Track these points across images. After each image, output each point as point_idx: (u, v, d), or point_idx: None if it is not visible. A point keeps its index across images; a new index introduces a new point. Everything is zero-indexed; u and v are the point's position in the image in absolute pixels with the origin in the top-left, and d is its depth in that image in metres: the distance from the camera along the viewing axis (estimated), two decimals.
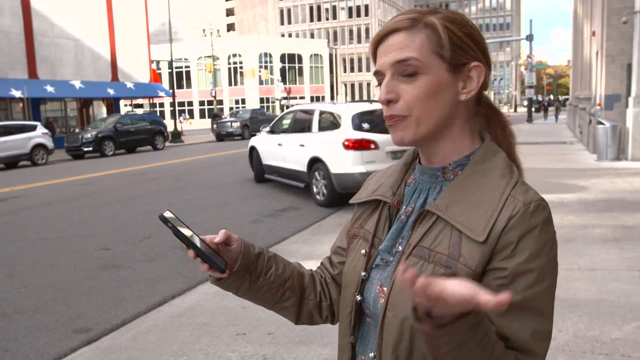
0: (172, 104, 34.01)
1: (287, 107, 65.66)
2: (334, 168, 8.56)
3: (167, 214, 0.99)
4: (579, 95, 21.49)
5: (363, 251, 1.03)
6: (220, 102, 63.19)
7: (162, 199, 10.59)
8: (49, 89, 27.01)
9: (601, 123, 12.68)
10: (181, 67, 65.07)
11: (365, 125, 8.59)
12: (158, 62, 43.60)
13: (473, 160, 0.94)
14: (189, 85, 69.05)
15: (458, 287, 0.68)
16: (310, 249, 6.33)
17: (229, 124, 29.93)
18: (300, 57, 72.24)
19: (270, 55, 68.14)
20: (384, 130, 7.85)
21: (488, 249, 0.86)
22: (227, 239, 1.04)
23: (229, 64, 67.81)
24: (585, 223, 6.50)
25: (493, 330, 0.80)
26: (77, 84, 28.74)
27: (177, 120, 31.80)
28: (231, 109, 60.52)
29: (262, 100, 66.47)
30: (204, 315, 4.43)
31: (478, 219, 0.87)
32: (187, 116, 64.44)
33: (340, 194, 8.57)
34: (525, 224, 0.85)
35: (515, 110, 65.65)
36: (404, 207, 1.01)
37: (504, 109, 42.00)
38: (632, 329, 3.59)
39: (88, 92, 29.45)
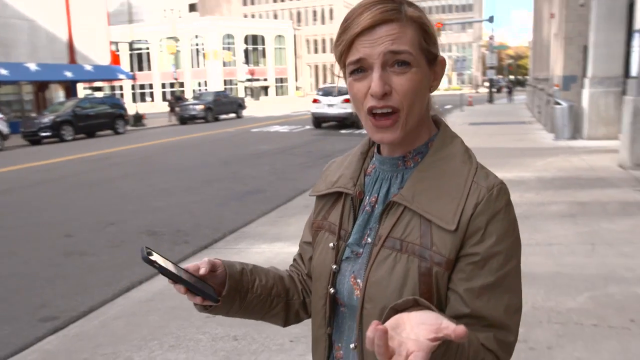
0: (133, 87, 33.25)
1: (251, 89, 65.38)
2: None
3: (152, 256, 0.96)
4: (538, 76, 22.00)
5: (331, 244, 1.03)
6: (182, 84, 62.04)
7: (126, 183, 10.43)
8: (2, 71, 25.98)
9: (558, 103, 13.06)
10: (141, 49, 63.42)
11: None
12: (117, 44, 42.44)
13: (433, 148, 0.97)
14: (149, 68, 67.50)
15: (420, 332, 0.70)
16: (278, 231, 6.37)
17: (192, 106, 29.46)
18: (263, 39, 71.41)
19: (233, 37, 67.12)
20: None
21: (459, 236, 0.89)
22: (212, 267, 1.02)
23: (191, 45, 66.50)
24: (544, 200, 6.74)
25: (465, 345, 0.82)
26: (33, 66, 27.73)
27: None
28: (194, 91, 59.56)
29: (225, 82, 65.58)
30: (173, 299, 4.43)
31: (446, 208, 0.90)
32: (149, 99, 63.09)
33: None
34: (491, 208, 0.89)
35: (477, 91, 66.70)
36: (367, 197, 1.02)
37: (467, 90, 42.60)
38: (585, 299, 3.79)
39: (44, 75, 28.45)
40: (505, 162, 9.76)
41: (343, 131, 19.58)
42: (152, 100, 64.62)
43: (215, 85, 62.34)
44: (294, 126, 23.42)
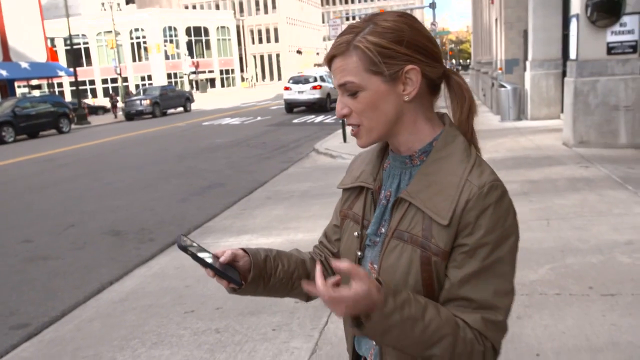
0: (74, 84, 32.09)
1: (197, 82, 64.23)
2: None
3: (185, 241, 1.10)
4: (481, 60, 22.69)
5: (356, 233, 1.17)
6: (125, 79, 60.27)
7: (79, 184, 10.16)
8: None
9: (503, 86, 13.56)
10: (79, 44, 61.14)
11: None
12: (53, 39, 40.75)
13: (435, 148, 1.08)
14: (89, 63, 65.19)
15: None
16: (242, 224, 6.42)
17: (138, 102, 28.72)
18: (206, 30, 70.21)
19: (175, 29, 65.67)
20: None
21: (452, 230, 1.01)
22: (234, 258, 1.15)
23: (132, 39, 64.61)
24: None
25: (418, 314, 0.95)
26: None
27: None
28: (137, 86, 58.01)
29: (169, 75, 64.16)
30: (148, 297, 4.44)
31: (442, 204, 1.01)
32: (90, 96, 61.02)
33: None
34: (480, 204, 0.99)
35: None
36: (383, 191, 1.15)
37: None
38: (546, 270, 4.05)
39: None
40: None
41: (295, 121, 19.66)
42: (95, 97, 62.47)
43: (160, 79, 60.90)
44: (245, 118, 23.27)
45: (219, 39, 71.81)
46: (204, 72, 68.07)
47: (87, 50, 64.54)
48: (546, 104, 12.63)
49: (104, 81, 65.34)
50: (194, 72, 61.99)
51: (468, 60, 73.52)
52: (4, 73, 28.46)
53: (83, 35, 53.59)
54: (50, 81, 37.21)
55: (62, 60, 46.40)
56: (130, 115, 28.62)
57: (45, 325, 4.16)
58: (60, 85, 59.40)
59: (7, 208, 8.61)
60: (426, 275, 1.03)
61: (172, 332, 3.75)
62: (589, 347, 2.99)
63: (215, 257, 1.12)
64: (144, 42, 62.61)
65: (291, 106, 23.14)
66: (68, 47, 33.74)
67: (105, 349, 3.60)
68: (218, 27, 71.37)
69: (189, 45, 66.00)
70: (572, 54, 9.21)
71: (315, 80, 22.65)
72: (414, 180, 1.07)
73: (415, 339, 0.96)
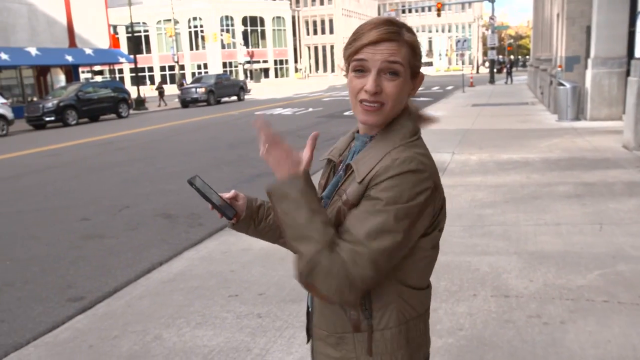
0: (134, 70, 33.16)
1: (251, 71, 65.09)
2: None
3: (195, 180, 1.37)
4: (540, 56, 21.98)
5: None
6: (182, 67, 61.79)
7: (134, 168, 10.56)
8: (3, 56, 25.93)
9: (562, 84, 13.11)
10: (140, 32, 63.06)
11: None
12: (116, 27, 42.17)
13: (385, 128, 1.26)
14: (148, 51, 67.15)
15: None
16: None
17: (193, 89, 29.43)
18: (262, 20, 70.91)
19: (232, 19, 66.66)
20: None
21: (363, 187, 1.18)
22: (235, 196, 1.46)
23: (190, 27, 66.08)
24: (550, 181, 6.87)
25: (312, 207, 1.14)
26: (33, 51, 27.66)
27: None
28: (194, 74, 59.34)
29: (224, 64, 65.29)
30: (194, 279, 4.60)
31: (363, 168, 1.20)
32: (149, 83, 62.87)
33: None
34: (390, 171, 1.14)
35: (478, 72, 66.48)
36: (342, 164, 1.35)
37: (469, 70, 42.44)
38: (595, 276, 3.94)
39: (45, 59, 28.39)
40: (510, 144, 9.88)
41: (347, 113, 19.66)
42: (152, 84, 64.38)
43: (215, 68, 62.07)
44: (297, 109, 23.46)
45: (274, 29, 72.41)
46: (259, 62, 68.87)
47: (147, 37, 66.48)
48: (607, 104, 12.14)
49: (162, 68, 67.17)
50: (248, 62, 62.85)
51: (527, 57, 71.30)
52: (70, 58, 29.75)
53: (144, 23, 55.24)
54: (111, 67, 38.57)
55: (124, 47, 48.00)
56: (186, 103, 29.33)
57: (98, 299, 4.38)
58: (120, 71, 61.50)
59: (69, 187, 9.05)
60: (337, 217, 1.21)
61: (215, 313, 3.87)
62: (634, 358, 2.91)
63: (221, 197, 1.40)
64: (201, 31, 63.89)
65: None
66: (129, 35, 35.02)
67: (152, 325, 3.77)
68: (274, 18, 71.96)
69: (245, 34, 66.86)
70: (638, 52, 8.81)
71: None
72: (360, 153, 1.26)
73: (296, 222, 1.13)
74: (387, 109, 1.21)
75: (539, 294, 3.63)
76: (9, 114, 20.08)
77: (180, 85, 35.85)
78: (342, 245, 1.12)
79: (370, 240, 1.12)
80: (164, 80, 65.24)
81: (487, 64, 66.05)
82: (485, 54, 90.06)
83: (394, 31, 1.20)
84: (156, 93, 34.53)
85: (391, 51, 1.18)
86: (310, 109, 22.73)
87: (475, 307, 3.47)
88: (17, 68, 28.23)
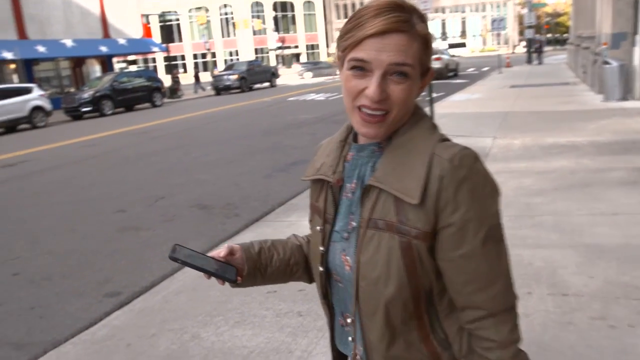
0: (167, 59, 33.41)
1: (283, 57, 64.90)
2: None
3: (176, 253, 1.15)
4: (582, 33, 21.07)
5: (318, 228, 1.14)
6: (214, 54, 62.04)
7: (169, 157, 10.55)
8: (40, 49, 26.42)
9: (607, 62, 12.49)
10: (171, 21, 63.48)
11: None
12: (148, 16, 42.48)
13: (400, 130, 1.03)
14: (180, 39, 67.61)
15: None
16: None
17: (226, 77, 29.47)
18: (292, 5, 70.40)
19: (262, 5, 66.40)
20: None
21: (429, 209, 0.96)
22: (230, 251, 1.21)
23: (220, 15, 66.18)
24: (601, 166, 6.49)
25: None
26: (69, 42, 28.09)
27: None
28: (225, 61, 59.52)
29: (256, 50, 65.27)
30: None
31: (411, 184, 0.97)
32: (182, 70, 63.42)
33: None
34: (455, 178, 0.94)
35: (514, 52, 64.62)
36: (347, 184, 1.10)
37: (505, 50, 41.21)
38: None
39: (80, 50, 28.82)
40: (554, 127, 9.44)
41: None
42: (185, 72, 64.92)
43: (247, 55, 62.14)
44: (330, 94, 23.21)
45: (304, 14, 71.84)
46: (290, 47, 68.60)
47: (178, 26, 66.89)
48: None
49: (195, 56, 67.58)
50: (279, 48, 62.65)
51: (565, 35, 68.90)
52: (104, 49, 30.12)
53: (175, 11, 55.48)
54: (145, 56, 38.93)
55: (156, 37, 48.38)
56: (219, 90, 29.41)
57: (135, 295, 4.31)
58: (153, 60, 62.14)
59: (105, 178, 9.08)
60: (408, 261, 0.99)
61: (254, 311, 3.74)
62: None
63: (212, 258, 1.18)
64: (232, 18, 63.91)
65: None
66: (162, 24, 35.26)
67: (190, 323, 3.66)
68: (304, 2, 71.34)
69: (275, 20, 66.59)
70: None
71: (435, 53, 23.88)
72: (380, 166, 1.03)
73: None
74: (391, 118, 0.99)
75: (602, 292, 3.35)
76: (47, 105, 20.46)
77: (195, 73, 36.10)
78: (481, 302, 1.00)
79: (497, 276, 1.00)
80: (196, 67, 65.74)
81: (523, 43, 64.10)
82: (521, 33, 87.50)
83: (404, 20, 0.96)
84: (192, 80, 34.74)
85: (401, 48, 0.95)
86: None
87: (531, 306, 3.22)
88: (54, 60, 28.76)
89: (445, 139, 1.02)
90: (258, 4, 66.09)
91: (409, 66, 0.96)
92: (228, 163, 9.41)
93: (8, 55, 24.32)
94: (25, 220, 6.83)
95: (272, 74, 32.97)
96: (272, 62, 57.67)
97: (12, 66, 26.02)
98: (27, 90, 20.13)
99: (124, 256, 5.24)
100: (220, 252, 1.21)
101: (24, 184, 9.16)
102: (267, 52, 65.05)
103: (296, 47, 71.04)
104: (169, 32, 63.35)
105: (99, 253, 5.37)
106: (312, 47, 73.78)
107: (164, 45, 35.29)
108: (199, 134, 13.90)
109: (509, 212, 5.11)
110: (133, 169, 9.65)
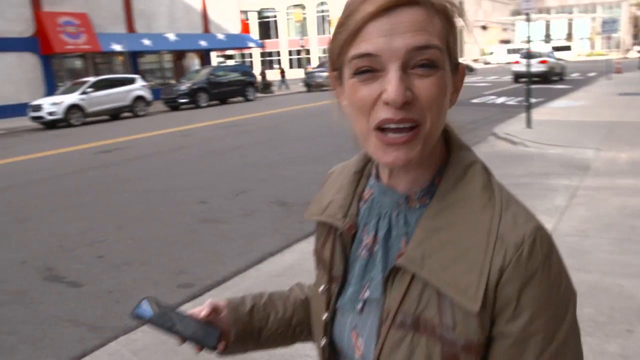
0: (262, 55, 34.23)
1: None
2: None
3: (141, 310, 0.92)
4: None
5: (321, 288, 0.87)
6: (308, 51, 62.91)
7: (255, 151, 10.69)
8: (146, 42, 27.98)
9: None
10: (269, 17, 65.10)
11: None
12: (247, 13, 43.77)
13: (443, 187, 0.75)
14: (276, 35, 69.19)
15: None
16: None
17: (317, 73, 29.71)
18: None
19: None
20: None
21: (487, 312, 0.70)
22: (213, 309, 0.96)
23: (317, 12, 66.96)
24: None
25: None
26: (172, 36, 29.55)
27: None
28: (319, 58, 60.18)
29: None
30: (303, 275, 4.32)
31: (466, 278, 0.69)
32: (277, 66, 64.96)
33: None
34: (522, 273, 0.68)
35: (626, 57, 60.07)
36: (364, 234, 0.83)
37: (614, 55, 38.34)
38: None
39: (182, 44, 30.23)
40: None
41: (475, 101, 18.58)
42: (279, 68, 66.34)
43: None
44: None
45: None
46: None
47: (275, 23, 68.47)
48: None
49: (290, 53, 68.90)
50: None
51: None
52: (204, 43, 31.42)
53: (273, 8, 56.82)
54: (241, 51, 40.18)
55: (254, 33, 49.81)
56: (310, 86, 29.72)
57: (207, 288, 4.32)
58: (249, 55, 64.07)
59: (193, 168, 9.35)
60: None
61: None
62: None
63: (190, 317, 0.93)
64: (328, 16, 64.47)
65: (518, 77, 25.60)
66: (260, 20, 36.29)
67: None
68: None
69: None
70: None
71: (541, 55, 24.97)
72: (416, 238, 0.74)
73: None
74: (425, 132, 0.70)
75: None
76: (148, 95, 21.61)
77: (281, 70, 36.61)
78: None
79: None
80: (290, 64, 67.03)
81: (637, 48, 59.49)
82: (635, 36, 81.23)
83: None
84: (279, 76, 35.41)
85: (419, 25, 0.67)
86: None
87: (631, 347, 2.83)
88: (158, 53, 30.39)
89: (506, 202, 0.73)
90: None
91: (435, 48, 0.68)
92: (313, 161, 9.37)
93: (117, 47, 25.97)
94: (115, 205, 7.15)
95: None
96: None
97: (121, 58, 27.75)
98: (131, 81, 21.37)
99: (200, 248, 5.30)
100: (201, 309, 0.95)
101: (118, 170, 9.64)
102: None
103: None
104: (266, 29, 65.15)
105: (178, 243, 5.48)
106: None
107: (260, 41, 36.22)
108: (288, 129, 14.03)
109: (610, 234, 4.61)
110: (220, 161, 9.87)
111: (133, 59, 27.66)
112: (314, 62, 55.71)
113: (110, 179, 8.85)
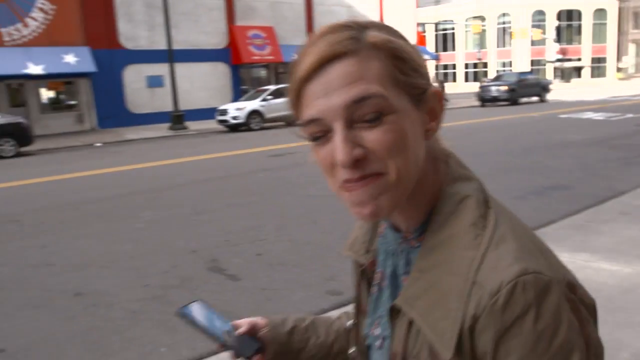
0: (437, 68, 33.78)
1: (561, 70, 59.90)
2: None
3: (187, 309, 0.95)
4: None
5: (349, 323, 0.97)
6: (485, 64, 60.57)
7: None
8: None
9: None
10: (446, 30, 64.09)
11: None
12: (424, 25, 43.57)
13: (432, 226, 0.73)
14: (453, 48, 67.83)
15: None
16: (582, 239, 5.41)
17: (493, 88, 28.40)
18: (579, 14, 64.30)
19: (544, 13, 62.20)
20: None
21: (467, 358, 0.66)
22: (252, 327, 0.97)
23: (497, 24, 64.23)
24: None
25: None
26: None
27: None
28: (497, 72, 57.72)
29: (532, 62, 61.57)
30: None
31: (443, 323, 0.67)
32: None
33: None
34: (497, 323, 0.63)
35: None
36: (378, 271, 0.86)
37: None
38: None
39: None
40: None
41: None
42: (454, 81, 64.92)
43: (521, 66, 59.17)
44: (611, 114, 20.38)
45: (593, 24, 64.96)
46: (571, 59, 62.97)
47: (453, 35, 67.17)
48: None
49: (466, 66, 67.08)
50: (559, 60, 57.96)
51: None
52: None
53: (451, 21, 55.80)
54: None
55: (430, 45, 49.39)
56: (485, 101, 28.56)
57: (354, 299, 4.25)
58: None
59: None
60: None
61: None
62: None
63: (235, 325, 0.97)
64: (509, 28, 61.47)
65: None
66: (437, 33, 35.98)
67: None
68: (594, 10, 64.50)
69: (558, 30, 61.72)
70: None
71: None
72: (411, 278, 0.73)
73: None
74: (392, 178, 0.67)
75: None
76: None
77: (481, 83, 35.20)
78: None
79: None
80: (466, 77, 65.23)
81: None
82: None
83: (346, 37, 0.66)
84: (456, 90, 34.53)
85: (350, 77, 0.65)
86: (629, 115, 19.44)
87: None
88: None
89: (496, 243, 0.67)
90: (540, 13, 62.13)
91: (376, 97, 0.65)
92: (481, 177, 8.88)
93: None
94: (278, 206, 7.49)
95: (543, 88, 30.55)
96: (549, 76, 53.59)
97: None
98: None
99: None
100: (241, 325, 0.97)
101: (286, 174, 10.13)
102: (545, 64, 60.80)
103: (579, 59, 64.78)
104: (443, 41, 64.29)
105: (332, 249, 5.52)
106: (598, 61, 66.39)
107: (435, 53, 35.78)
108: (456, 144, 13.39)
109: None
110: None
111: None
112: (492, 76, 53.53)
113: (277, 182, 9.33)
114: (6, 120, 16.52)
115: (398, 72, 0.68)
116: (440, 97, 0.74)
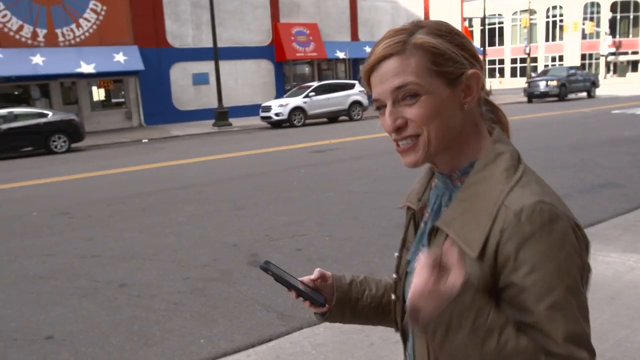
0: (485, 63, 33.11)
1: (615, 64, 57.51)
2: None
3: (268, 265, 1.11)
4: None
5: (396, 254, 1.13)
6: (534, 59, 58.86)
7: None
8: (367, 49, 29.07)
9: None
10: (494, 24, 62.59)
11: None
12: (470, 20, 42.68)
13: (475, 168, 0.95)
14: (501, 43, 66.19)
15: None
16: (632, 239, 5.19)
17: (542, 83, 27.53)
18: (636, 5, 61.58)
19: (599, 5, 59.86)
20: None
21: (488, 265, 0.87)
22: (321, 276, 1.18)
23: (547, 17, 62.26)
24: None
25: (493, 327, 0.81)
26: None
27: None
28: (546, 66, 56.01)
29: (583, 56, 59.43)
30: None
31: (474, 234, 0.88)
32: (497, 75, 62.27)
33: None
34: (519, 234, 0.84)
35: None
36: (426, 213, 1.06)
37: None
38: None
39: None
40: None
41: None
42: (502, 76, 63.38)
43: (571, 60, 57.23)
44: None
45: None
46: (627, 53, 60.40)
47: (500, 29, 65.54)
48: None
49: (513, 61, 65.37)
50: (613, 54, 55.71)
51: None
52: None
53: (499, 14, 54.48)
54: None
55: (476, 40, 48.37)
56: (532, 97, 27.73)
57: None
58: None
59: (397, 174, 9.31)
60: None
61: None
62: None
63: (301, 282, 1.15)
64: (560, 21, 59.50)
65: None
66: (484, 27, 35.21)
67: None
68: None
69: (612, 22, 59.30)
70: None
71: None
72: (450, 207, 0.95)
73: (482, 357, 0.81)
74: (426, 139, 0.93)
75: None
76: (364, 100, 22.45)
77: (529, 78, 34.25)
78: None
79: (567, 344, 0.83)
80: (513, 72, 63.59)
81: None
82: None
83: (396, 42, 0.92)
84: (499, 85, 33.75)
85: (395, 72, 0.91)
86: None
87: None
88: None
89: (523, 183, 0.89)
90: (593, 5, 59.84)
91: (411, 84, 0.91)
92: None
93: (340, 54, 27.56)
94: (319, 202, 7.49)
95: (592, 83, 29.41)
96: (602, 70, 51.60)
97: (343, 65, 29.41)
98: (351, 86, 22.43)
99: (391, 253, 5.20)
100: (311, 275, 1.18)
101: (327, 170, 10.13)
102: (597, 58, 58.58)
103: (635, 52, 62.09)
104: (491, 36, 62.81)
105: (372, 246, 5.48)
106: None
107: (481, 48, 35.02)
108: None
109: None
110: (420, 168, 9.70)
111: (354, 66, 29.03)
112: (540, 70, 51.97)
113: (318, 178, 9.34)
114: (59, 117, 17.18)
115: (432, 64, 0.91)
116: (476, 77, 0.94)
